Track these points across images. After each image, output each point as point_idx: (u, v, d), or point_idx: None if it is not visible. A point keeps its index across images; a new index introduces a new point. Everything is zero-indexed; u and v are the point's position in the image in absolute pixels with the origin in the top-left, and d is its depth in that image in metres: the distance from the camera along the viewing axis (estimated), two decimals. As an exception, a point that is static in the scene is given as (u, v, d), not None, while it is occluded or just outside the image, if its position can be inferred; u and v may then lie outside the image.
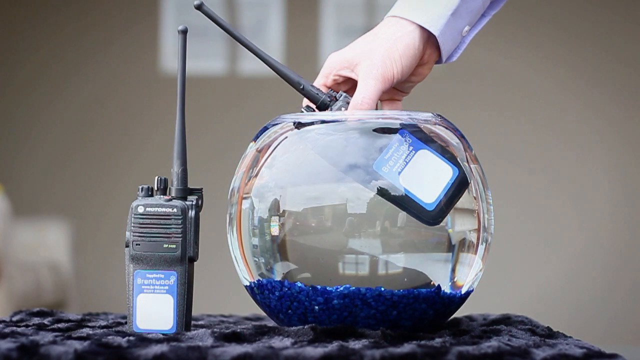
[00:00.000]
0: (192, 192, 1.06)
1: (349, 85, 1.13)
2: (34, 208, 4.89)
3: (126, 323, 1.11)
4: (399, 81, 1.11)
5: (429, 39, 1.12)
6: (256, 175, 1.08)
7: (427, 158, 1.05)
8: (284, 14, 5.01)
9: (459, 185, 1.06)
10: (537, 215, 4.91)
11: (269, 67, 1.14)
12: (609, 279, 4.88)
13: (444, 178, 1.05)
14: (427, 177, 1.05)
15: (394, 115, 1.08)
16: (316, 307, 1.04)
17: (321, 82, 1.13)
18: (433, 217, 1.04)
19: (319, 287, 1.04)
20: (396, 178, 1.03)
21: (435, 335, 1.02)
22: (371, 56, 1.10)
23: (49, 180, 5.03)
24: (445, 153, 1.06)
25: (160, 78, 5.00)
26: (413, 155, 1.04)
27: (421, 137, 1.05)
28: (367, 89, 1.09)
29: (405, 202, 1.03)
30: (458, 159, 1.06)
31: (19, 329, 1.04)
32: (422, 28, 1.11)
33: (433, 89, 4.87)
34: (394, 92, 1.17)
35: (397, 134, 1.05)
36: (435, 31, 1.11)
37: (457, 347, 0.93)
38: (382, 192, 1.03)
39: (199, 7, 1.11)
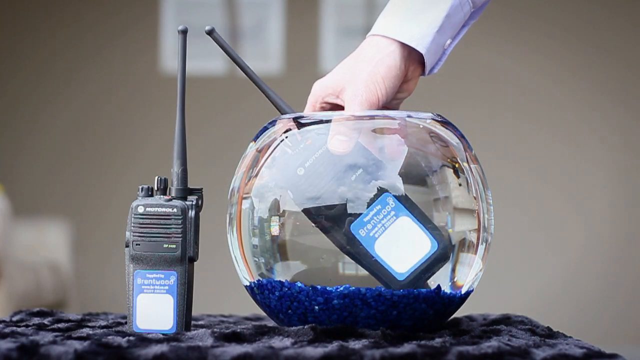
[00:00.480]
0: (192, 192, 1.07)
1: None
2: (34, 208, 4.89)
3: (126, 323, 1.11)
4: (385, 103, 1.11)
5: (410, 55, 1.11)
6: (256, 175, 1.08)
7: (408, 226, 1.02)
8: (284, 14, 5.01)
9: (436, 260, 1.03)
10: (537, 215, 4.91)
11: (271, 102, 1.13)
12: (609, 279, 4.88)
13: (422, 250, 1.03)
14: (404, 246, 1.02)
15: (393, 116, 1.08)
16: (316, 307, 1.04)
17: (309, 110, 1.12)
18: (401, 287, 1.03)
19: (319, 287, 1.04)
20: (372, 243, 1.02)
21: (435, 335, 1.02)
22: (354, 82, 1.09)
23: (49, 180, 5.03)
24: (428, 223, 1.03)
25: (160, 78, 5.00)
26: (394, 221, 1.02)
27: (405, 202, 1.03)
28: None
29: (376, 269, 1.02)
30: (440, 230, 1.04)
31: (19, 329, 1.04)
32: (403, 46, 1.10)
33: (433, 89, 4.87)
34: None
35: (381, 197, 1.03)
36: (422, 49, 1.10)
37: (457, 347, 0.93)
38: (353, 256, 1.02)
39: (210, 33, 1.10)
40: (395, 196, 1.03)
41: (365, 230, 1.02)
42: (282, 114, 1.12)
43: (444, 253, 1.04)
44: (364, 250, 1.02)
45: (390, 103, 1.14)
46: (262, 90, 1.13)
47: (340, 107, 1.12)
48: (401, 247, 1.03)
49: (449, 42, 1.15)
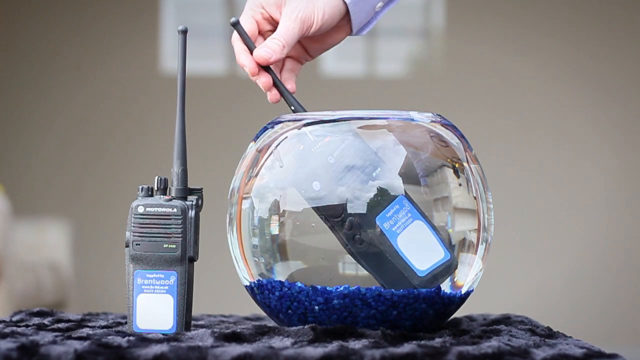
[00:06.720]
0: (192, 192, 1.07)
1: (273, 27, 1.15)
2: (34, 208, 4.89)
3: (126, 323, 1.11)
4: (316, 32, 1.13)
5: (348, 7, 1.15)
6: (256, 175, 1.08)
7: (423, 231, 1.05)
8: (284, 14, 5.01)
9: (447, 269, 1.06)
10: (537, 215, 4.91)
11: (288, 103, 1.14)
12: (609, 278, 4.88)
13: (436, 257, 1.05)
14: (421, 248, 1.05)
15: (394, 115, 1.08)
16: (316, 307, 1.04)
17: (249, 15, 1.14)
18: (423, 281, 1.04)
19: (319, 287, 1.04)
20: (394, 238, 1.03)
21: (435, 335, 1.02)
22: None
23: (49, 180, 5.03)
24: (439, 233, 1.05)
25: (160, 78, 5.00)
26: (410, 223, 1.04)
27: (418, 208, 1.05)
28: (285, 30, 1.11)
29: (399, 262, 1.04)
30: (449, 244, 1.06)
31: (19, 329, 1.04)
32: None
33: (433, 89, 4.87)
34: (302, 51, 1.18)
35: (398, 198, 1.04)
36: (347, 0, 1.13)
37: (457, 347, 0.93)
38: (379, 247, 1.03)
39: (234, 25, 1.12)
40: (409, 200, 1.04)
41: (388, 225, 1.03)
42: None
43: (454, 263, 1.06)
44: (388, 243, 1.03)
45: (312, 45, 1.17)
46: (280, 92, 1.13)
47: (274, 21, 1.14)
48: (419, 247, 1.04)
49: (380, 4, 1.17)
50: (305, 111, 1.12)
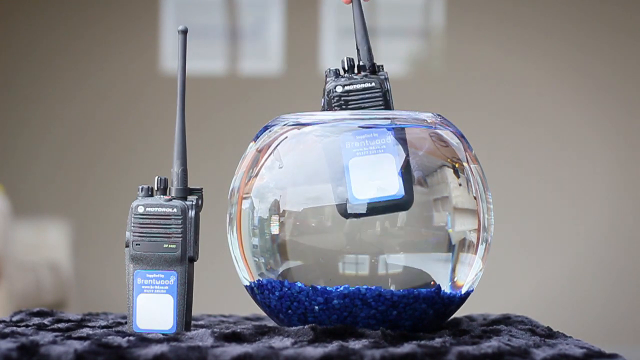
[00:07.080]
0: (192, 192, 1.07)
1: None
2: (34, 208, 4.89)
3: (126, 323, 1.11)
4: None
5: None
6: (256, 175, 1.08)
7: (388, 164, 1.03)
8: (284, 14, 5.01)
9: (394, 207, 1.03)
10: (537, 215, 4.91)
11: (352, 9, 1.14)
12: (609, 278, 4.88)
13: (386, 190, 1.03)
14: (373, 178, 1.03)
15: (394, 116, 1.08)
16: (316, 307, 1.04)
17: None
18: (347, 209, 1.03)
19: (319, 287, 1.04)
20: (348, 157, 1.02)
21: (435, 335, 1.02)
22: None
23: (49, 180, 5.03)
24: (407, 174, 1.03)
25: (160, 78, 5.00)
26: (379, 153, 1.03)
27: (401, 146, 1.03)
28: None
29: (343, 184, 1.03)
30: (414, 184, 1.04)
31: (19, 329, 1.04)
32: None
33: (433, 89, 4.86)
34: None
35: (385, 130, 1.04)
36: None
37: (457, 347, 0.93)
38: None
39: None
40: (396, 138, 1.03)
41: (350, 145, 1.02)
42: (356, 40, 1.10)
43: (405, 204, 1.04)
44: (337, 162, 1.02)
45: None
46: (359, 33, 1.14)
47: None
48: (371, 177, 1.03)
49: None
50: (364, 23, 1.13)
